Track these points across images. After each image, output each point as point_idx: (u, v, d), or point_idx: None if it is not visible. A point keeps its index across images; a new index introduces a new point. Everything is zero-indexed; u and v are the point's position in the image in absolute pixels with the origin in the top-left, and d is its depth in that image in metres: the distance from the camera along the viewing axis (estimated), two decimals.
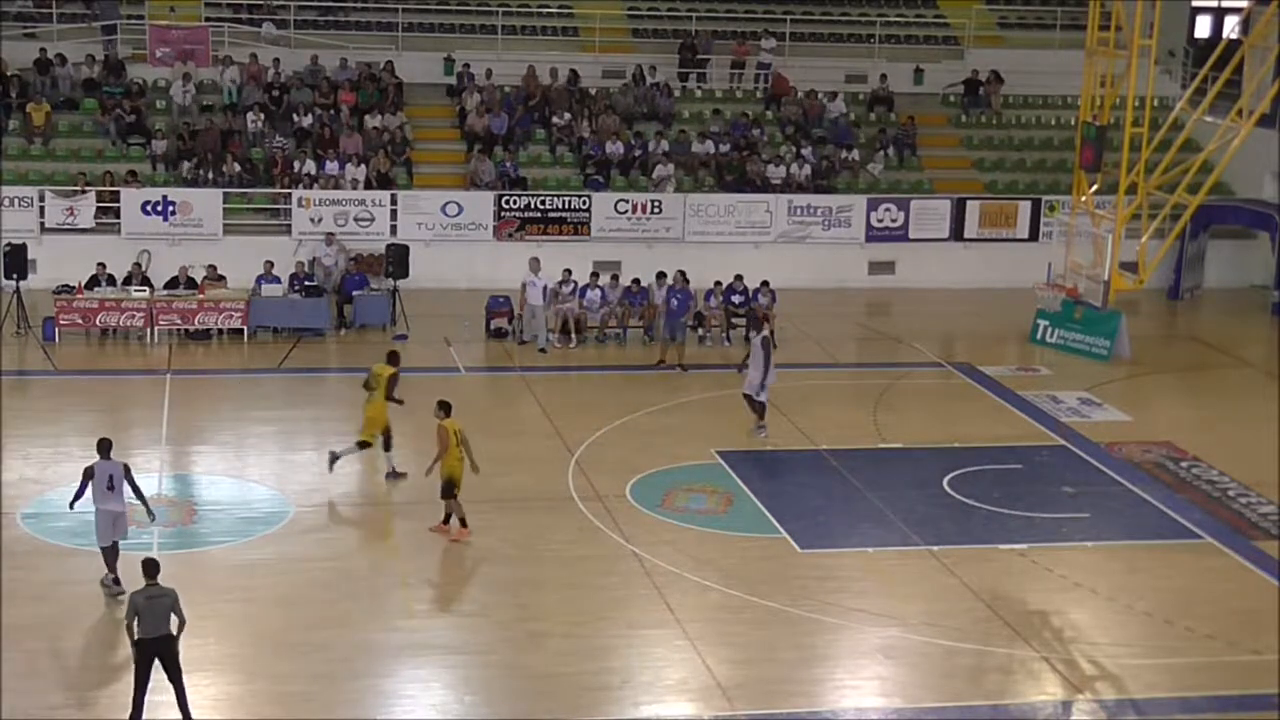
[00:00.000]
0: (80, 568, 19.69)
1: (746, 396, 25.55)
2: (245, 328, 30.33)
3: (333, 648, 17.86)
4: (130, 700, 15.85)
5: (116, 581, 18.84)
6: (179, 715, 15.89)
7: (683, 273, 30.77)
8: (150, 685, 15.83)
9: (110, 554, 18.94)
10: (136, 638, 15.81)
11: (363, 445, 23.25)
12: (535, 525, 21.71)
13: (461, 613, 19.06)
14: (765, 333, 25.73)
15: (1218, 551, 21.76)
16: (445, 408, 21.31)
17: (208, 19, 38.84)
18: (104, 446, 19.03)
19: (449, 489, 21.14)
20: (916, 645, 18.44)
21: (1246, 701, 17.43)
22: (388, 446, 23.33)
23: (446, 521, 21.27)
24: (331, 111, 36.85)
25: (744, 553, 21.03)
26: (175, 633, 15.92)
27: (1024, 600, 19.87)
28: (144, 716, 15.83)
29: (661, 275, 31.49)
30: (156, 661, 15.87)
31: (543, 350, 30.53)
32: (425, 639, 18.26)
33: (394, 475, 23.33)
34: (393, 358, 23.83)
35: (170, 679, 15.91)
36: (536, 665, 17.70)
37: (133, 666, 15.93)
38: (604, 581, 19.97)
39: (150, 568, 16.09)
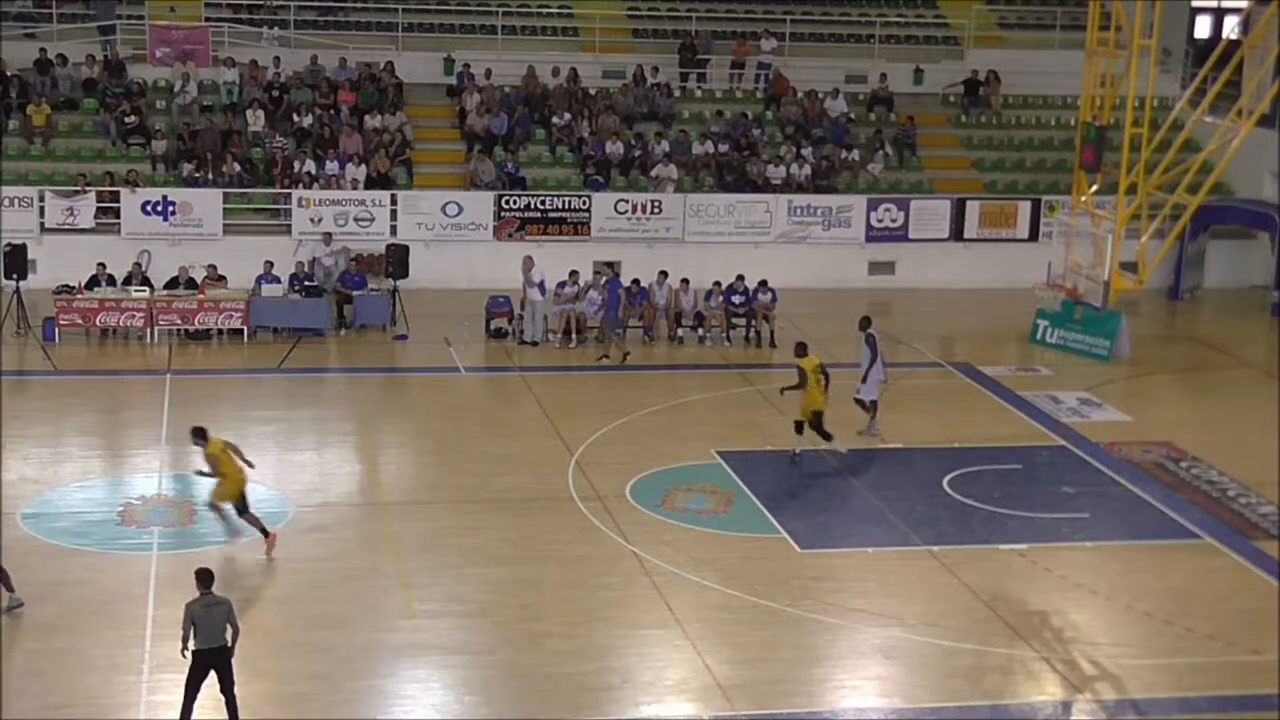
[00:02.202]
0: (80, 567, 19.70)
1: (858, 400, 25.74)
2: (245, 328, 30.33)
3: (333, 648, 17.85)
4: (180, 709, 15.66)
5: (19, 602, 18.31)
6: None
7: (611, 265, 31.00)
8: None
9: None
10: (194, 648, 15.56)
11: (821, 429, 24.41)
12: (535, 525, 21.70)
13: (461, 613, 19.03)
14: (870, 330, 25.70)
15: (1218, 551, 21.74)
16: (202, 434, 20.35)
17: (208, 19, 38.84)
18: None
19: (244, 504, 20.30)
20: (916, 645, 18.43)
21: (1246, 701, 17.43)
22: (800, 430, 24.43)
23: (267, 534, 20.30)
24: (331, 111, 36.86)
25: (744, 553, 21.02)
26: (230, 642, 15.71)
27: (1024, 600, 19.87)
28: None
29: (663, 274, 31.64)
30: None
31: (534, 343, 30.59)
32: (425, 639, 18.24)
33: (818, 439, 24.61)
34: (802, 349, 24.63)
35: (223, 689, 15.69)
36: (536, 665, 17.69)
37: (185, 676, 15.67)
38: (604, 581, 19.96)
39: (205, 577, 15.79)
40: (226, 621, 15.66)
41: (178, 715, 15.66)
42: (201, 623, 15.55)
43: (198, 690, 15.64)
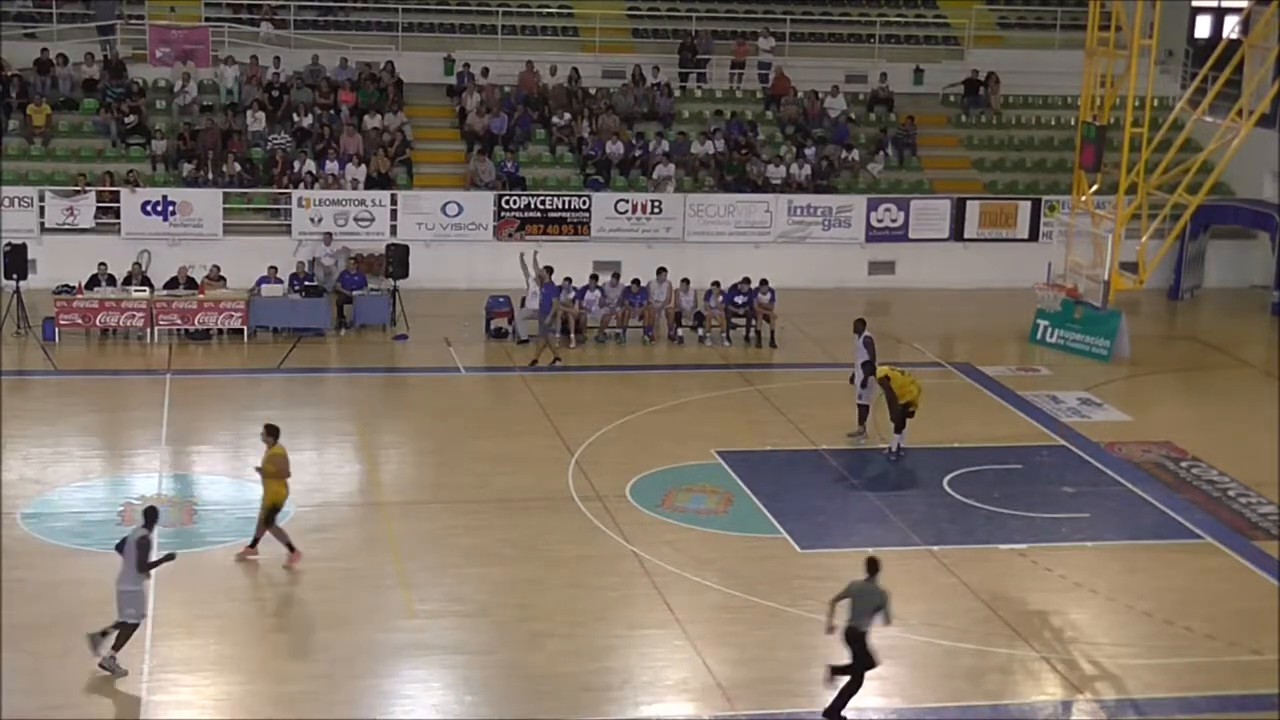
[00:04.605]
0: (80, 568, 19.69)
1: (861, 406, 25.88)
2: (245, 328, 30.33)
3: (333, 648, 17.86)
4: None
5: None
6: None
7: (549, 268, 30.50)
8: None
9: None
10: (845, 623, 16.52)
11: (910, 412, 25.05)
12: (535, 525, 21.69)
13: (461, 613, 19.03)
14: (866, 333, 25.75)
15: (1218, 551, 21.75)
16: (275, 433, 20.37)
17: (208, 19, 38.83)
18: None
19: (274, 515, 20.10)
20: (916, 645, 18.43)
21: (1246, 701, 17.43)
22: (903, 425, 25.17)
23: (293, 549, 20.05)
24: (331, 111, 36.85)
25: (744, 553, 21.02)
26: (868, 628, 16.43)
27: (1024, 600, 19.87)
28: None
29: (662, 271, 31.63)
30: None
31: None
32: (425, 639, 18.24)
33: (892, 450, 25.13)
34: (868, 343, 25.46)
35: (849, 670, 16.53)
36: (536, 665, 17.69)
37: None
38: (604, 581, 19.96)
39: (873, 565, 16.74)
40: (876, 610, 16.46)
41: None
42: (855, 600, 16.53)
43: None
